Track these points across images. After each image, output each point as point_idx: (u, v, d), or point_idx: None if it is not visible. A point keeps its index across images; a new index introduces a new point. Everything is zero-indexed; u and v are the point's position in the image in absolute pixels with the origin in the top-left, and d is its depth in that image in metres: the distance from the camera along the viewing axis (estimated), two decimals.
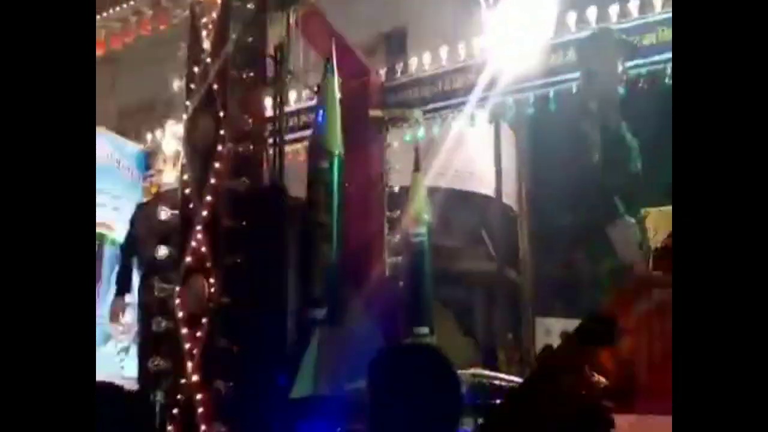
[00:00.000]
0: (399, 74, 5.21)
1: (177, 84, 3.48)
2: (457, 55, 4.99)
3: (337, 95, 3.68)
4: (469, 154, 7.49)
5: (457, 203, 7.66)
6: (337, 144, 3.58)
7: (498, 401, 3.63)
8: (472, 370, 3.58)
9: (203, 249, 3.37)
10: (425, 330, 4.38)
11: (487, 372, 3.82)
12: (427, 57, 5.11)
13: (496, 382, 3.61)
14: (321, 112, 3.67)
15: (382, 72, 5.24)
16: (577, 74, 4.37)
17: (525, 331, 7.02)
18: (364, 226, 4.75)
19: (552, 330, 8.51)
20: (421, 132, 5.18)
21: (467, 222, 7.81)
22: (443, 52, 5.03)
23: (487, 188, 7.68)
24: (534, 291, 7.18)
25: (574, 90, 4.46)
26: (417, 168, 4.82)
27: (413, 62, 5.20)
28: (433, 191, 5.27)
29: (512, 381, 3.75)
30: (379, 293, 4.44)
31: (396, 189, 5.23)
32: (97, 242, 5.06)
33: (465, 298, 8.11)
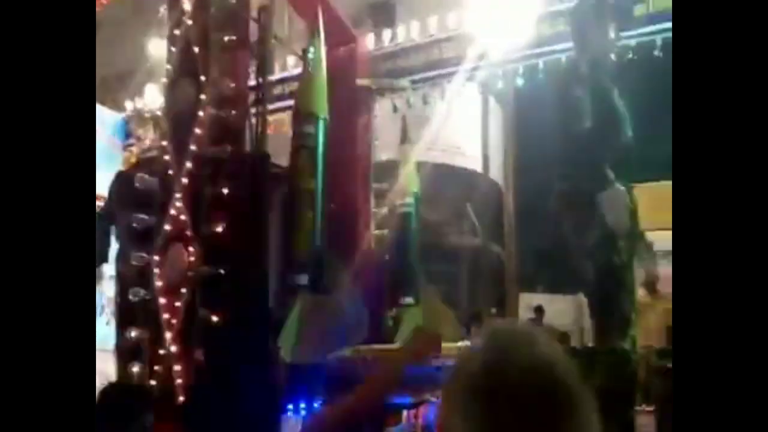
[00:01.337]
0: (387, 43, 5.08)
1: (156, 47, 3.35)
2: (446, 25, 4.88)
3: (323, 60, 3.58)
4: (457, 128, 7.44)
5: (443, 178, 7.60)
6: (322, 108, 3.51)
7: None
8: (461, 344, 3.57)
9: (183, 217, 3.28)
10: (410, 300, 4.39)
11: None
12: (415, 26, 4.99)
13: None
14: (306, 75, 3.56)
15: (370, 40, 5.10)
16: (566, 45, 4.30)
17: (508, 306, 7.06)
18: (350, 198, 4.68)
19: (534, 305, 8.61)
20: (409, 102, 5.09)
21: (453, 196, 7.79)
22: (432, 20, 4.91)
23: (475, 163, 7.65)
24: (518, 266, 7.20)
25: (564, 61, 4.40)
26: (404, 140, 4.74)
27: (401, 31, 5.07)
28: (420, 165, 5.22)
29: None
30: (365, 266, 4.40)
31: (383, 160, 5.16)
32: None
33: (450, 272, 8.15)
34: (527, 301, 7.93)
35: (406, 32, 5.03)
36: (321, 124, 3.48)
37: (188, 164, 3.24)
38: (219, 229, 3.22)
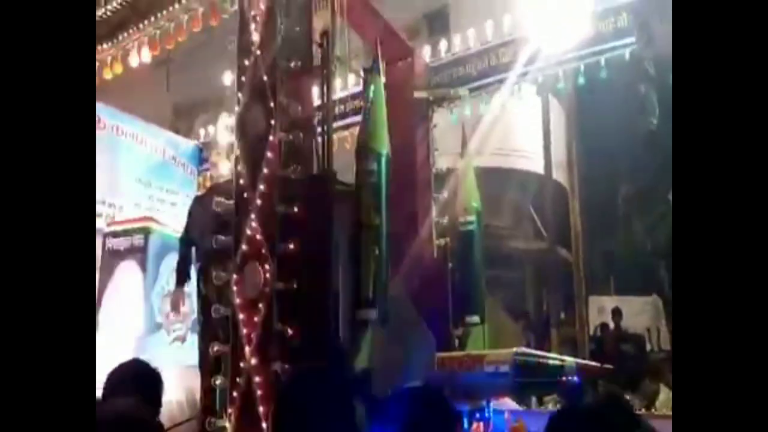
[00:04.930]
0: (443, 53, 5.13)
1: (229, 78, 3.55)
2: (502, 30, 4.87)
3: (383, 95, 3.62)
4: (517, 131, 7.38)
5: (504, 182, 7.55)
6: (384, 144, 3.53)
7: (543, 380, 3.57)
8: (516, 349, 3.57)
9: (258, 236, 3.44)
10: (476, 318, 4.37)
11: (531, 351, 3.81)
12: (471, 33, 5.01)
13: (542, 360, 3.61)
14: (367, 112, 3.63)
15: (426, 52, 5.16)
16: (628, 40, 4.20)
17: (578, 310, 6.91)
18: (411, 208, 4.75)
19: (605, 308, 8.38)
20: (467, 110, 5.11)
21: (516, 200, 7.72)
22: (488, 26, 4.92)
23: (537, 165, 7.56)
24: (586, 269, 7.04)
25: (627, 57, 4.31)
26: (464, 153, 4.76)
27: (457, 40, 5.11)
28: (480, 170, 5.21)
29: (558, 359, 3.72)
30: (429, 277, 4.44)
31: (443, 169, 5.20)
32: (142, 235, 5.27)
33: (515, 278, 8.04)
34: (598, 303, 7.74)
35: (461, 41, 5.06)
36: (384, 160, 3.50)
37: (261, 186, 3.41)
38: (291, 246, 3.37)
